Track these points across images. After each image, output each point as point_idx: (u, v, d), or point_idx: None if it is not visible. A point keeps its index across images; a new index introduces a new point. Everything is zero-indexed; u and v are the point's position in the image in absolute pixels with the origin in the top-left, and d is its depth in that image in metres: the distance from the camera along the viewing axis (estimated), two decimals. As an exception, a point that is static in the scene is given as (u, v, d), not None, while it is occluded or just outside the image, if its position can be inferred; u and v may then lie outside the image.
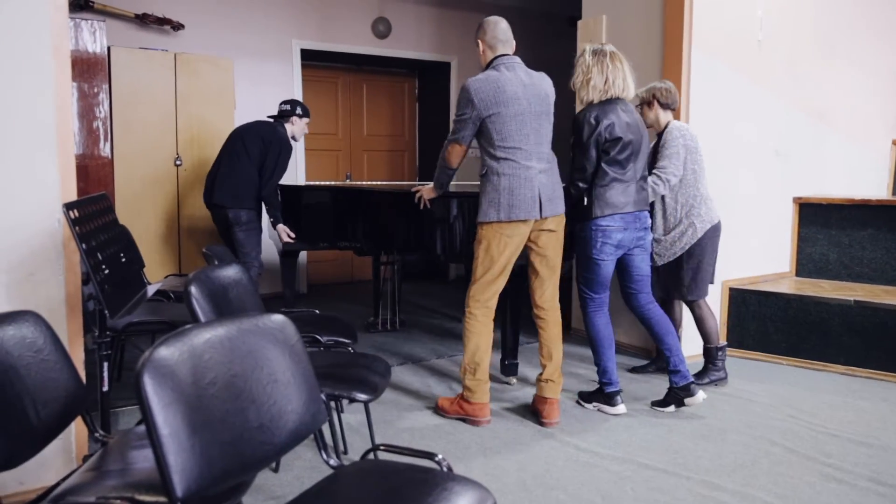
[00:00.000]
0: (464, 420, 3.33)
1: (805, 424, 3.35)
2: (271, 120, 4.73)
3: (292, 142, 4.71)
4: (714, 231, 3.80)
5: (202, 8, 5.91)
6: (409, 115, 7.73)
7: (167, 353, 1.39)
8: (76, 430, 2.55)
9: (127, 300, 2.47)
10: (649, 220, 3.53)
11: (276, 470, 2.77)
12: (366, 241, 4.46)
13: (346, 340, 3.11)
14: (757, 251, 4.75)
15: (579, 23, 4.97)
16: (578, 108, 3.62)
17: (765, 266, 4.81)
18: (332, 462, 1.77)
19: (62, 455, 2.52)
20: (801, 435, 3.23)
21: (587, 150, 3.34)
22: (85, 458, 1.96)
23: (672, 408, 3.51)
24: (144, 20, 5.59)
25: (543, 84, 3.30)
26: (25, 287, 2.45)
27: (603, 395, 3.52)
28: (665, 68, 4.31)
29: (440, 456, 1.71)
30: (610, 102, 3.36)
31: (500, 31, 3.26)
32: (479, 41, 3.29)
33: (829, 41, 5.06)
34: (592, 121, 3.32)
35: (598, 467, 2.87)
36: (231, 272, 2.51)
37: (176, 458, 1.31)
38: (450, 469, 1.69)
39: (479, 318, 3.28)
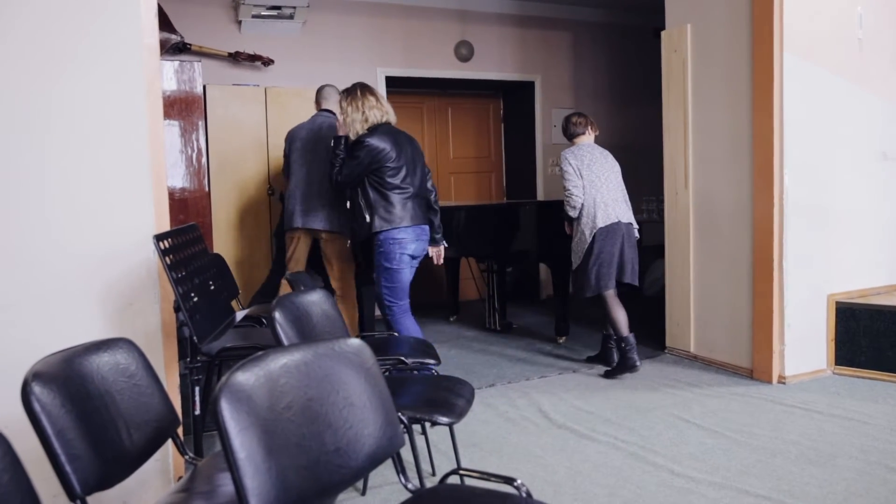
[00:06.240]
0: None
1: (926, 449, 3.09)
2: None
3: None
4: (607, 231, 4.23)
5: (290, 43, 6.16)
6: (494, 136, 7.75)
7: (244, 378, 1.42)
8: (173, 452, 2.65)
9: (215, 327, 2.56)
10: (428, 233, 3.95)
11: (363, 493, 2.79)
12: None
13: (431, 362, 3.12)
14: (864, 262, 4.45)
15: (663, 33, 4.86)
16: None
17: (874, 277, 4.50)
18: (409, 486, 1.76)
19: (160, 476, 2.62)
20: (921, 460, 2.98)
21: (356, 169, 3.72)
22: (179, 479, 2.04)
23: None
24: (237, 58, 5.86)
25: (323, 128, 4.31)
26: (126, 315, 2.59)
27: None
28: (755, 75, 4.13)
29: (519, 481, 1.66)
30: (377, 129, 3.76)
31: (317, 93, 4.55)
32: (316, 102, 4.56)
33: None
34: (365, 148, 3.69)
35: (694, 493, 2.73)
36: (315, 297, 2.58)
37: (252, 482, 1.34)
38: (529, 495, 1.64)
39: None
